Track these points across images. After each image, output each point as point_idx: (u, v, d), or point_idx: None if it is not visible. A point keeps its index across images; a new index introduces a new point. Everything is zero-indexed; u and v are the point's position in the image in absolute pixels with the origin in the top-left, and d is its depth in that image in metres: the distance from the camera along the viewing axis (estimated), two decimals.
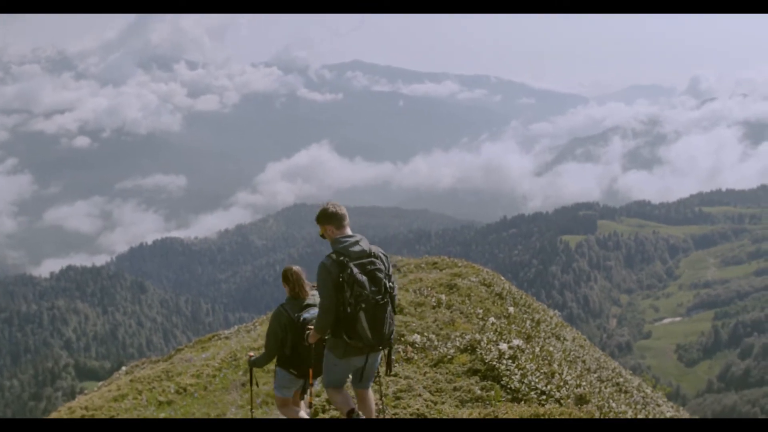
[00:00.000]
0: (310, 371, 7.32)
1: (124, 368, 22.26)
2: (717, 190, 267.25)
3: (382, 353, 6.87)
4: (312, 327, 6.90)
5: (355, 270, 6.18)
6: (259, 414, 9.62)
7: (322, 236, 6.68)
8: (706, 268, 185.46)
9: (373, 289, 6.22)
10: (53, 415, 12.23)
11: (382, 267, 6.36)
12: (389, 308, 6.35)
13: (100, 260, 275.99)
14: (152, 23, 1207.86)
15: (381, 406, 8.26)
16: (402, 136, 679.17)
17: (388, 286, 6.31)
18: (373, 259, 6.33)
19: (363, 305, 6.17)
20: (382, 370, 7.28)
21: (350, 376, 7.09)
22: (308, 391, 7.63)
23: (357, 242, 6.41)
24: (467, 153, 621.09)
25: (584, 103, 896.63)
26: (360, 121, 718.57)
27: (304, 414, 7.89)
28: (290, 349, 7.44)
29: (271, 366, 8.01)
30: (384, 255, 6.51)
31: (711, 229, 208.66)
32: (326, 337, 6.74)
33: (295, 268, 7.66)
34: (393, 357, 7.00)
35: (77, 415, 11.50)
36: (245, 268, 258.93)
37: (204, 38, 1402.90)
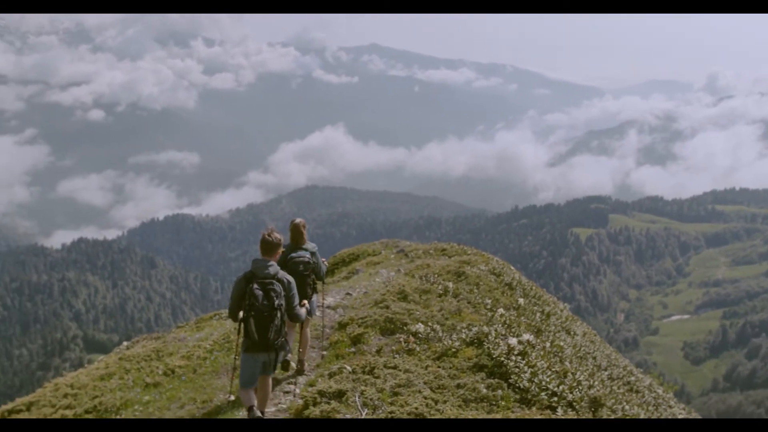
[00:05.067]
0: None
1: (125, 343, 21.60)
2: (731, 189, 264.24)
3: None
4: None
5: (256, 286, 7.93)
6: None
7: None
8: (717, 267, 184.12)
9: (264, 303, 7.88)
10: (39, 391, 11.70)
11: (279, 289, 8.01)
12: (276, 320, 7.96)
13: (111, 234, 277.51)
14: None
15: (376, 402, 7.69)
16: (417, 121, 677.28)
17: (277, 303, 7.92)
18: (274, 281, 8.03)
19: (253, 313, 7.89)
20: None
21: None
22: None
23: (267, 267, 8.15)
24: (482, 141, 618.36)
25: (600, 95, 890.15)
26: (375, 105, 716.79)
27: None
28: None
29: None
30: (288, 281, 8.24)
31: (723, 228, 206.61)
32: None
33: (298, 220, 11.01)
34: (280, 360, 8.39)
35: (62, 392, 10.93)
36: (255, 248, 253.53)
37: (222, 16, 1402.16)
